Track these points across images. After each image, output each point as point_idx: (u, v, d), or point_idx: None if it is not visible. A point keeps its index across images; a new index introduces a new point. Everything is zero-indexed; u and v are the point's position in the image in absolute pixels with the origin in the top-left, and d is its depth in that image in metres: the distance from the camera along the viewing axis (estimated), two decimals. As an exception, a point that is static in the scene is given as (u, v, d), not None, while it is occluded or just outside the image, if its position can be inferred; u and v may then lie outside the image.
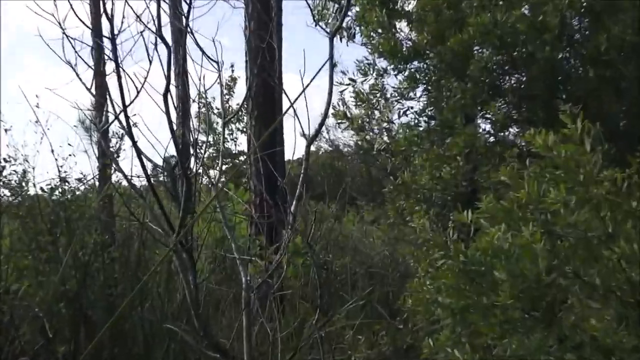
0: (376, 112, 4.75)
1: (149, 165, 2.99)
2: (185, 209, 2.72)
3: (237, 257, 3.26)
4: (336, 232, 7.04)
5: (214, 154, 12.04)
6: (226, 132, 10.48)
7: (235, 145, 12.83)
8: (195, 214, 2.88)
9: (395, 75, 4.45)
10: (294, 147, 3.22)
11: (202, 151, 4.55)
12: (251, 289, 3.09)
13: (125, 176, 3.03)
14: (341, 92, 4.74)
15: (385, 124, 4.90)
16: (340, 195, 7.52)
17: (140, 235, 4.45)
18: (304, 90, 2.13)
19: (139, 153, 2.70)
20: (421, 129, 4.14)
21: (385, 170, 8.10)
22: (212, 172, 5.98)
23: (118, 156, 4.91)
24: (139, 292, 4.06)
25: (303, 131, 2.92)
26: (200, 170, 3.49)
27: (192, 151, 3.24)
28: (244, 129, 12.82)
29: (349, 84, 4.64)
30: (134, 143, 2.69)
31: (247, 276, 3.21)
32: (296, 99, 2.30)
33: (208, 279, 4.48)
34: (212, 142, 11.43)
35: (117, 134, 5.05)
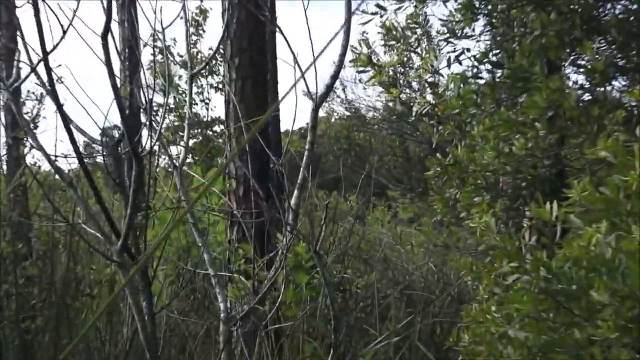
0: (415, 57, 4.73)
1: (81, 140, 3.02)
2: (134, 204, 2.75)
3: (211, 273, 3.29)
4: (357, 236, 7.07)
5: (177, 123, 12.12)
6: (194, 90, 10.41)
7: (208, 109, 12.89)
8: (149, 211, 2.91)
9: (444, 2, 4.42)
10: (294, 113, 3.21)
11: (159, 119, 4.57)
12: (232, 321, 3.12)
13: (46, 156, 3.05)
14: (363, 24, 4.70)
15: (428, 76, 4.89)
16: (363, 183, 7.54)
17: (69, 243, 4.49)
18: (309, 28, 2.13)
19: (67, 122, 2.72)
20: (482, 82, 4.13)
21: (429, 145, 8.09)
22: (173, 150, 6.01)
23: (36, 127, 4.93)
24: (67, 327, 4.10)
25: (308, 88, 2.93)
26: (157, 147, 3.50)
27: (144, 119, 3.26)
28: (220, 86, 12.85)
29: (375, 14, 4.60)
30: (59, 107, 2.70)
31: (226, 301, 3.24)
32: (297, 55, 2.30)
33: (169, 307, 4.52)
34: (173, 106, 11.46)
35: (34, 94, 5.07)
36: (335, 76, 3.05)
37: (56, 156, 3.40)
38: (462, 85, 4.20)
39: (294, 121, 3.29)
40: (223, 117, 6.55)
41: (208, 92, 12.97)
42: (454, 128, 4.25)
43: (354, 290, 5.84)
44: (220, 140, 11.35)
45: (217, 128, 12.75)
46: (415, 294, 6.28)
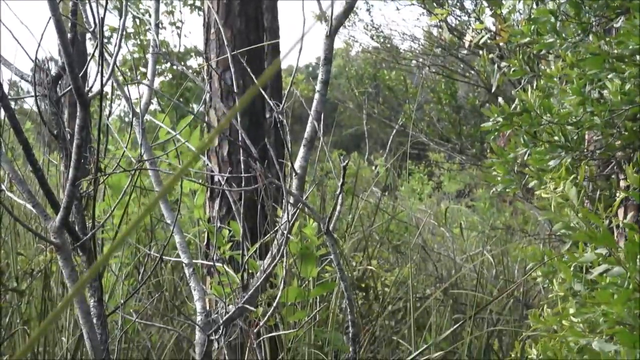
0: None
1: (5, 77, 3.03)
2: (78, 165, 2.77)
3: (184, 262, 3.31)
4: (386, 214, 7.09)
5: (137, 55, 12.10)
6: (161, 8, 10.29)
7: (180, 36, 12.88)
8: (100, 175, 2.93)
9: None
10: (299, 42, 3.20)
11: (113, 48, 4.57)
12: (213, 327, 3.16)
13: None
14: None
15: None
16: (395, 140, 7.58)
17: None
18: None
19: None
20: (563, 0, 4.11)
21: (487, 89, 8.07)
22: (132, 91, 6.01)
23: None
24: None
25: (320, 6, 2.92)
26: (111, 87, 3.50)
27: (91, 48, 3.25)
28: (197, 3, 12.82)
29: None
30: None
31: (203, 301, 3.27)
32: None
33: (126, 307, 4.56)
34: (132, 30, 11.43)
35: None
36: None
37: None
38: (535, 4, 4.19)
39: (299, 55, 3.28)
40: (201, 46, 6.55)
41: (180, 12, 12.98)
42: (522, 64, 4.24)
43: (381, 289, 5.86)
44: (197, 79, 11.35)
45: (192, 62, 12.75)
46: (465, 294, 6.31)
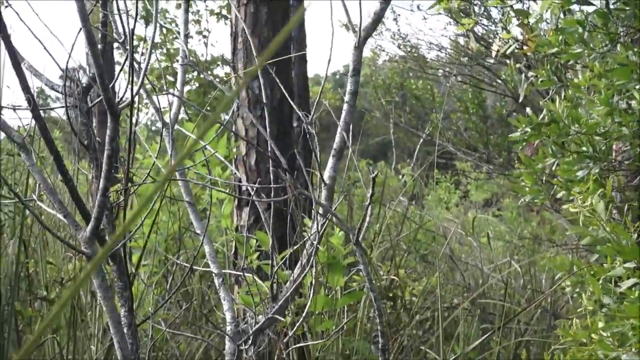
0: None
1: (35, 86, 3.05)
2: (108, 175, 2.78)
3: (214, 272, 3.32)
4: (413, 223, 7.08)
5: (163, 64, 12.15)
6: (190, 16, 10.28)
7: (207, 45, 12.91)
8: (130, 185, 2.94)
9: None
10: (329, 53, 3.19)
11: (140, 56, 4.58)
12: (242, 337, 3.16)
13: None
14: None
15: (514, 1, 4.86)
16: (422, 150, 7.57)
17: (19, 228, 4.55)
18: None
19: (16, 60, 2.76)
20: (592, 9, 4.10)
21: (515, 98, 8.05)
22: (162, 100, 6.04)
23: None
24: (16, 343, 4.16)
25: (348, 15, 2.93)
26: (138, 96, 3.52)
27: (119, 55, 3.27)
28: (222, 12, 12.87)
29: None
30: (5, 38, 2.74)
31: (233, 311, 3.28)
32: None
33: (155, 317, 4.58)
34: (158, 39, 11.48)
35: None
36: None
37: (0, 107, 3.45)
38: (562, 14, 4.18)
39: (328, 65, 3.29)
40: (228, 55, 6.57)
41: (207, 22, 13.01)
42: (550, 74, 4.23)
43: (408, 298, 5.86)
44: (225, 86, 11.39)
45: (218, 70, 12.78)
46: (493, 304, 6.29)
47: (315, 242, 3.07)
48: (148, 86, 3.81)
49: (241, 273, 3.57)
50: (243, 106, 5.65)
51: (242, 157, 5.56)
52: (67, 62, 3.04)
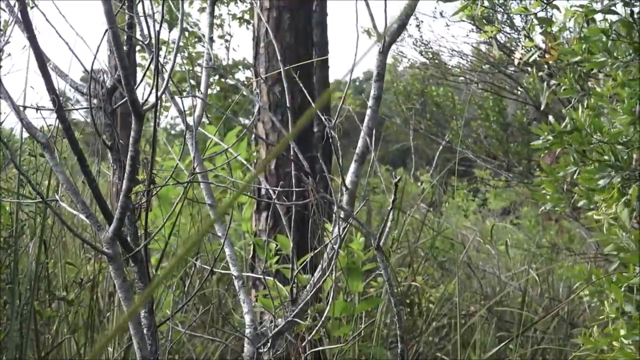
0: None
1: (60, 86, 3.06)
2: (132, 177, 2.79)
3: (234, 275, 3.33)
4: (431, 230, 7.07)
5: (185, 67, 12.19)
6: (214, 21, 10.33)
7: (228, 49, 12.93)
8: (153, 186, 2.95)
9: None
10: (354, 58, 3.19)
11: (162, 59, 4.59)
12: (261, 340, 3.17)
13: (14, 106, 3.11)
14: None
15: (538, 9, 4.85)
16: (441, 156, 7.57)
17: (40, 227, 4.56)
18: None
19: (42, 60, 2.77)
20: (615, 18, 4.09)
21: (536, 106, 8.04)
22: (186, 103, 6.07)
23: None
24: (35, 343, 4.17)
25: (374, 22, 2.94)
26: (164, 98, 3.53)
27: (140, 57, 3.28)
28: (244, 17, 12.89)
29: None
30: (32, 39, 2.75)
31: (252, 314, 3.28)
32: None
33: (175, 319, 4.58)
34: (183, 42, 11.50)
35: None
36: (412, 6, 3.06)
37: (25, 107, 3.45)
38: (586, 23, 4.17)
39: (351, 70, 3.30)
40: (250, 59, 6.58)
41: (229, 26, 13.01)
42: (573, 83, 4.22)
43: (425, 305, 5.86)
44: (247, 90, 11.38)
45: (240, 75, 12.79)
46: (510, 312, 6.28)
47: (336, 247, 3.08)
48: (173, 89, 3.83)
49: (261, 276, 3.57)
50: (264, 110, 5.66)
51: (265, 160, 5.57)
52: (92, 64, 3.05)
